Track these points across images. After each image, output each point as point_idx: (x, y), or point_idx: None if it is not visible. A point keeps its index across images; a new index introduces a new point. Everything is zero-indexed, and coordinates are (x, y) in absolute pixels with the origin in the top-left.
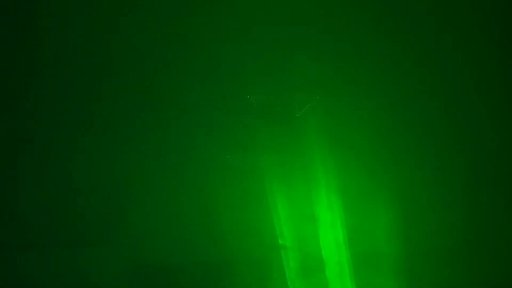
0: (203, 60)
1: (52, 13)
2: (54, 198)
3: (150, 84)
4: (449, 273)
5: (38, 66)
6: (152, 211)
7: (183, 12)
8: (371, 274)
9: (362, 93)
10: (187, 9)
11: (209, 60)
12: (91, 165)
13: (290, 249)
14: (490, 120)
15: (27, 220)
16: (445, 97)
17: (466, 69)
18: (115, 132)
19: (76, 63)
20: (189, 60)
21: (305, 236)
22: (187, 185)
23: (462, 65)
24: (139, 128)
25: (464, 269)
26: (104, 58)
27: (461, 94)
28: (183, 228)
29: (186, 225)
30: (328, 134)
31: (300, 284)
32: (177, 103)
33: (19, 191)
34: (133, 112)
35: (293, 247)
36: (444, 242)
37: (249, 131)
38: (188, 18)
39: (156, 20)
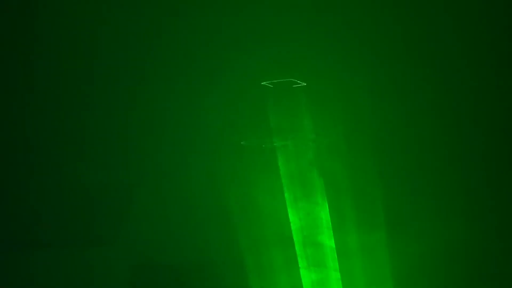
0: (205, 56)
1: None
2: (54, 198)
3: (152, 78)
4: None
5: (38, 66)
6: (154, 210)
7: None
8: None
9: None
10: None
11: (212, 54)
12: (93, 165)
13: None
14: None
15: (27, 220)
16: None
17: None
18: (115, 131)
19: (77, 62)
20: (192, 55)
21: None
22: (189, 184)
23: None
24: (139, 127)
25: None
26: (107, 58)
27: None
28: (185, 228)
29: (188, 225)
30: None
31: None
32: (177, 101)
33: (19, 191)
34: (134, 112)
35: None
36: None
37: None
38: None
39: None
